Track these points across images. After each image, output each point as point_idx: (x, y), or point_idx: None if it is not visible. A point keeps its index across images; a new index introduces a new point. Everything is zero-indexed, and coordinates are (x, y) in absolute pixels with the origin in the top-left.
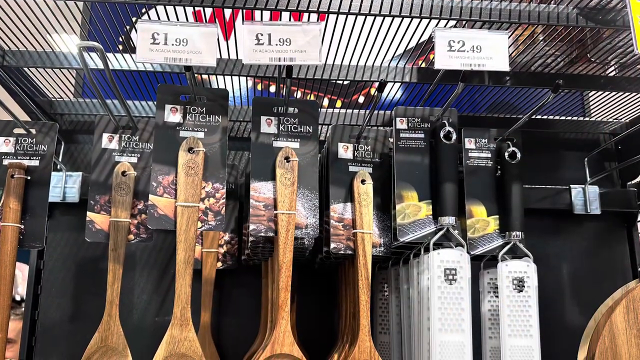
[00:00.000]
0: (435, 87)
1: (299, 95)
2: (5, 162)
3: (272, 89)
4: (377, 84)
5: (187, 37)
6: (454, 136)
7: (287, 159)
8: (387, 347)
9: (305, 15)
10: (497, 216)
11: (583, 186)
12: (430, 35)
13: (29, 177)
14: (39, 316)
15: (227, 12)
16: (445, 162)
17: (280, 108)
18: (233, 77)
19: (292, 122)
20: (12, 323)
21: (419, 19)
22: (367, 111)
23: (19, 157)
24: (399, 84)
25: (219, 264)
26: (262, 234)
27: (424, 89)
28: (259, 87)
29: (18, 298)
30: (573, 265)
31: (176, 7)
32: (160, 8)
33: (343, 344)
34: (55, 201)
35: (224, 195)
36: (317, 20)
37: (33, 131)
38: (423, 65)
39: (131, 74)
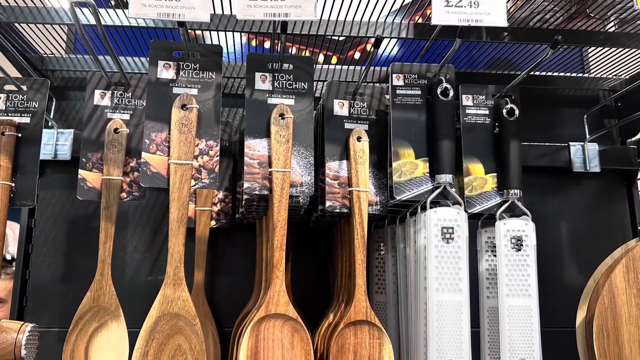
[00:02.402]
0: (432, 43)
1: (293, 51)
2: None
3: (267, 45)
4: (373, 39)
5: None
6: (451, 93)
7: (281, 115)
8: (384, 307)
9: None
10: (495, 174)
11: (582, 143)
12: None
13: (19, 135)
14: (30, 275)
15: None
16: (442, 119)
17: (274, 64)
18: (227, 33)
19: (287, 79)
20: (3, 282)
21: None
22: (363, 67)
23: (9, 114)
24: (396, 39)
25: (213, 223)
26: (257, 192)
27: (420, 45)
28: (253, 43)
29: (9, 257)
30: (572, 224)
31: None
32: None
33: (339, 303)
34: (47, 159)
35: (218, 153)
36: None
37: (24, 88)
38: (420, 20)
39: (124, 30)
